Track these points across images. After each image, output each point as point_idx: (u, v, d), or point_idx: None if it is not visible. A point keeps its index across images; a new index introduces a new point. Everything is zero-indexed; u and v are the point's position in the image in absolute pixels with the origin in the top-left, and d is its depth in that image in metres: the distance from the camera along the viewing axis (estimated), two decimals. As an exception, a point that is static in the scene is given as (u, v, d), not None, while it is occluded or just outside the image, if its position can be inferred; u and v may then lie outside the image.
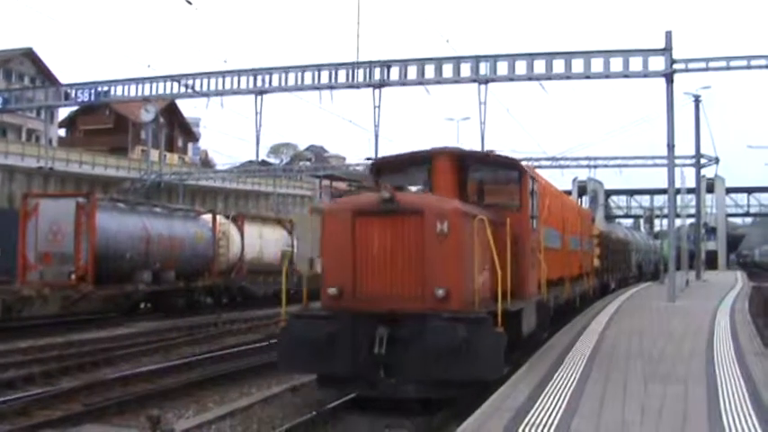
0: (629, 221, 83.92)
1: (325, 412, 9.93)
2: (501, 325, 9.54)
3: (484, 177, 12.16)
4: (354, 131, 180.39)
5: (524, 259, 11.66)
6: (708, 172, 66.99)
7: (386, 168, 12.42)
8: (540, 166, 55.43)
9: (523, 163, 12.56)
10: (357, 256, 9.95)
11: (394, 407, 9.77)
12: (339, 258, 10.04)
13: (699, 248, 47.56)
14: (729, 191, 70.42)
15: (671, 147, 25.06)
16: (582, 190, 69.45)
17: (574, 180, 68.35)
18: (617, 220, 77.87)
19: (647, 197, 72.73)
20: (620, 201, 74.62)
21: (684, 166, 50.03)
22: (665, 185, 26.23)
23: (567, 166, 58.89)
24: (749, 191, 70.88)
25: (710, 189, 67.18)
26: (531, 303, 11.91)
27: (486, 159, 12.61)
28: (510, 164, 12.30)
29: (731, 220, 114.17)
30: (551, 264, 13.78)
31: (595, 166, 60.41)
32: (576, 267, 19.05)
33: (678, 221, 39.62)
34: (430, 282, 9.71)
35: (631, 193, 73.27)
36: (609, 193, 72.51)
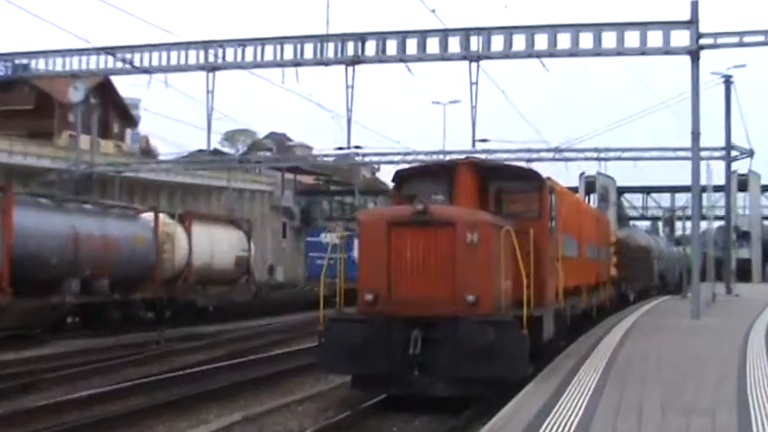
0: (646, 224, 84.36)
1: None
2: (526, 328, 12.14)
3: (503, 187, 14.77)
4: (323, 117, 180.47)
5: (544, 267, 14.14)
6: (740, 166, 67.65)
7: (408, 178, 15.21)
8: (540, 159, 55.85)
9: (535, 168, 15.61)
10: (392, 264, 12.51)
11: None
12: (375, 266, 12.61)
13: (729, 256, 48.03)
14: (766, 189, 70.97)
15: (696, 136, 25.27)
16: (590, 187, 69.85)
17: (581, 175, 68.73)
18: (631, 222, 78.47)
19: (666, 195, 73.24)
20: (635, 199, 75.13)
21: (712, 159, 50.36)
22: (688, 182, 26.45)
23: (573, 159, 59.09)
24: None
25: (743, 187, 67.67)
26: (550, 311, 14.50)
27: (507, 170, 15.57)
28: (530, 174, 15.20)
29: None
30: (568, 272, 16.12)
31: (606, 159, 60.63)
32: (593, 276, 21.68)
33: (704, 224, 40.06)
34: (460, 288, 12.31)
35: (648, 190, 73.79)
36: (622, 191, 73.10)
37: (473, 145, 41.42)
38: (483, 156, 54.52)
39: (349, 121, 35.87)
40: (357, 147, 51.50)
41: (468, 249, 12.44)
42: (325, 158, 59.51)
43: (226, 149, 77.00)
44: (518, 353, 12.15)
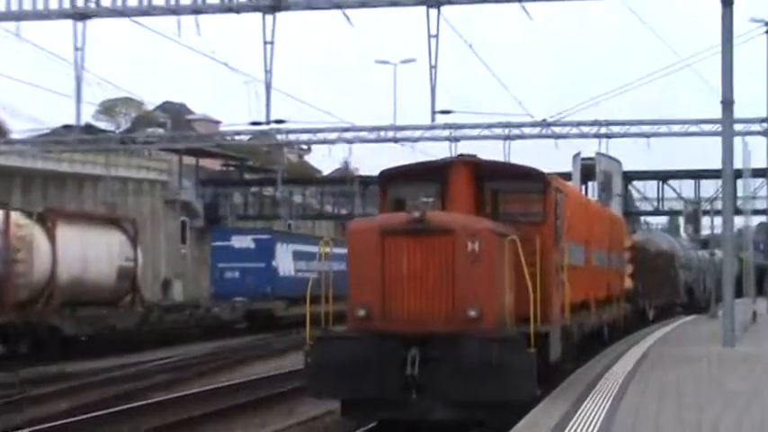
0: (662, 220, 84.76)
1: None
2: (533, 346, 13.84)
3: (502, 188, 16.76)
4: (234, 81, 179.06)
5: (549, 279, 15.86)
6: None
7: (395, 179, 16.92)
8: (521, 136, 56.36)
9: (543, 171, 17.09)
10: (386, 277, 14.20)
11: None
12: (367, 278, 14.29)
13: (773, 263, 48.76)
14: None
15: (728, 105, 25.46)
16: (588, 172, 70.35)
17: (575, 157, 69.06)
18: (643, 218, 79.24)
19: (689, 183, 74.18)
20: (649, 189, 75.90)
21: (749, 134, 51.20)
22: (717, 165, 26.69)
23: (565, 136, 59.68)
24: None
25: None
26: (557, 328, 16.28)
27: (506, 169, 17.62)
28: (533, 175, 16.76)
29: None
30: (574, 284, 17.98)
31: (609, 136, 61.13)
32: (603, 289, 23.62)
33: (739, 221, 40.47)
34: (461, 302, 14.03)
35: (665, 177, 74.54)
36: (630, 177, 73.61)
37: (433, 118, 41.50)
38: (446, 131, 54.92)
39: (268, 87, 35.64)
40: (279, 121, 51.35)
41: (470, 260, 14.19)
42: (238, 137, 59.38)
43: (102, 125, 76.20)
44: (525, 373, 13.83)
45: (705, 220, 43.76)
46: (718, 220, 36.67)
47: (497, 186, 16.84)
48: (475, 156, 16.98)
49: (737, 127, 49.60)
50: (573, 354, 18.62)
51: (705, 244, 52.52)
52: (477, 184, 16.44)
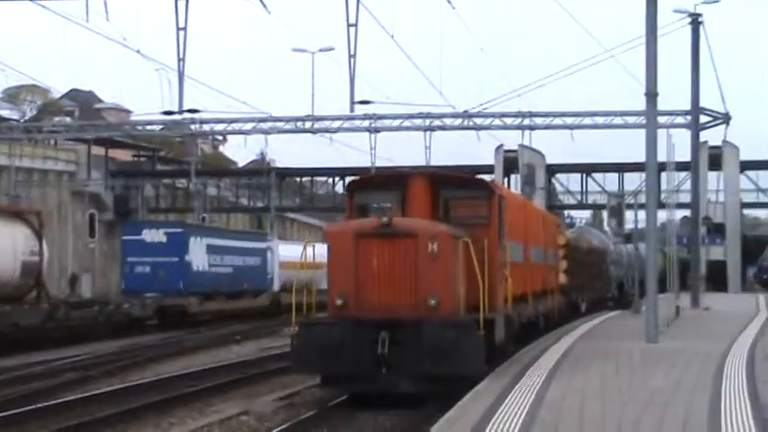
0: (585, 214, 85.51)
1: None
2: (483, 329, 17.50)
3: (453, 195, 20.11)
4: (146, 69, 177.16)
5: (494, 274, 19.13)
6: (712, 137, 69.46)
7: (361, 188, 20.61)
8: (443, 127, 56.43)
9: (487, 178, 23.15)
10: (359, 272, 17.61)
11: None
12: (343, 273, 17.77)
13: (696, 257, 49.35)
14: (747, 166, 72.99)
15: (652, 97, 25.66)
16: (510, 165, 70.75)
17: (498, 149, 69.50)
18: (566, 211, 79.81)
19: (613, 176, 74.87)
20: (572, 182, 76.50)
21: (674, 126, 51.86)
22: (641, 158, 26.84)
23: (487, 128, 59.98)
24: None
25: (716, 164, 69.56)
26: (501, 316, 19.95)
27: (456, 179, 21.01)
28: (480, 184, 21.00)
29: (749, 212, 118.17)
30: (515, 279, 21.39)
31: (531, 128, 61.53)
32: (539, 283, 27.05)
33: (662, 214, 40.89)
34: (423, 293, 17.49)
35: (588, 170, 75.21)
36: (553, 170, 74.18)
37: (352, 108, 41.39)
38: (366, 122, 54.75)
39: (181, 75, 35.26)
40: (192, 111, 50.84)
41: (430, 258, 17.59)
42: (149, 127, 58.73)
43: (5, 113, 74.90)
44: (476, 352, 17.37)
45: (629, 214, 44.12)
46: (642, 214, 36.94)
47: (449, 194, 20.07)
48: (431, 168, 20.99)
49: (662, 119, 50.19)
50: (514, 338, 22.09)
51: (628, 238, 53.01)
52: (432, 193, 19.73)
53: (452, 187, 20.41)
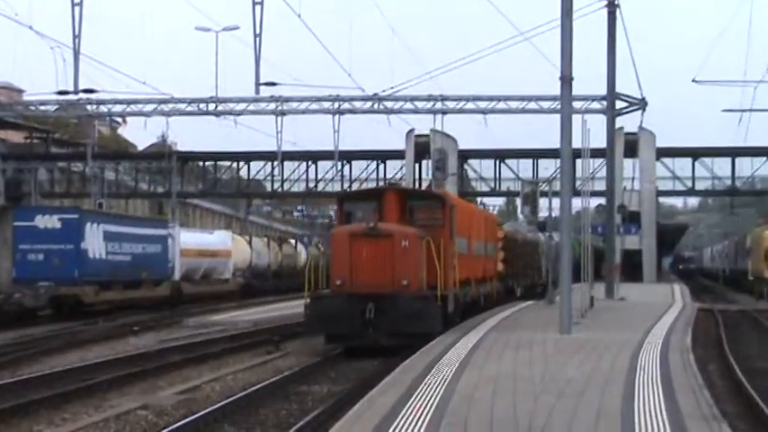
0: (499, 202, 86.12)
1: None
2: (440, 301, 25.72)
3: (417, 205, 28.40)
4: (39, 47, 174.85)
5: (447, 263, 27.14)
6: (628, 123, 70.33)
7: (348, 199, 29.86)
8: (352, 111, 56.43)
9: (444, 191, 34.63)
10: (353, 260, 25.43)
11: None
12: (342, 262, 25.58)
13: (611, 247, 50.00)
14: (663, 153, 74.12)
15: (566, 80, 25.97)
16: (422, 150, 71.07)
17: (408, 133, 69.80)
18: (480, 199, 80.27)
19: (527, 163, 75.49)
20: (485, 168, 77.00)
21: (589, 112, 52.34)
22: (555, 144, 27.15)
23: (398, 111, 60.13)
24: (695, 154, 74.64)
25: (632, 151, 70.66)
26: (451, 293, 27.66)
27: (420, 193, 33.79)
28: (436, 196, 30.34)
29: (665, 201, 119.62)
30: (461, 267, 29.40)
31: (443, 112, 61.80)
32: (480, 271, 35.05)
33: (577, 202, 41.33)
34: (398, 276, 25.33)
35: (502, 156, 75.81)
36: (466, 156, 74.68)
37: (257, 90, 41.30)
38: (272, 105, 54.59)
39: (76, 54, 34.86)
40: (89, 91, 50.26)
41: (402, 251, 25.64)
42: (43, 107, 57.88)
43: None
44: (434, 316, 25.60)
45: (543, 202, 44.59)
46: (556, 202, 37.35)
47: (414, 204, 28.51)
48: (401, 184, 31.12)
49: (577, 104, 50.81)
50: (460, 311, 30.03)
51: (543, 226, 53.57)
52: (401, 203, 28.03)
53: (416, 199, 29.69)
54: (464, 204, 35.42)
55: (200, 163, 78.48)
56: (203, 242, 58.47)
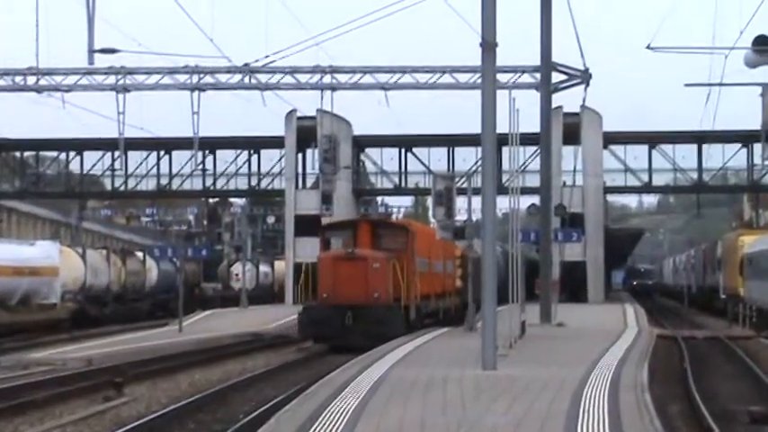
0: (406, 201, 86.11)
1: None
2: (403, 310, 44.47)
3: (385, 233, 45.68)
4: None
5: (410, 280, 44.22)
6: (568, 101, 70.39)
7: (329, 228, 48.78)
8: (216, 86, 56.21)
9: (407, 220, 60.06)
10: (335, 278, 42.72)
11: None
12: (327, 279, 42.78)
13: (547, 258, 50.32)
14: (612, 140, 74.56)
15: (489, 46, 25.98)
16: (306, 135, 70.76)
17: (289, 115, 69.29)
18: (380, 199, 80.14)
19: (441, 152, 75.70)
20: (388, 160, 77.02)
21: (519, 87, 52.62)
22: (476, 128, 27.12)
23: (275, 87, 59.88)
24: (652, 141, 75.58)
25: (573, 136, 71.03)
26: (413, 305, 44.75)
27: (388, 223, 51.66)
28: (401, 226, 50.32)
29: (616, 199, 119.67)
30: (422, 283, 45.80)
31: (333, 88, 61.69)
32: (440, 286, 50.94)
33: (504, 202, 41.44)
34: (371, 290, 42.83)
35: (408, 143, 75.99)
36: (362, 144, 74.65)
37: (90, 59, 40.89)
38: (111, 78, 54.21)
39: None
40: None
41: (374, 271, 41.98)
42: None
43: None
44: (399, 323, 41.78)
45: (461, 202, 44.64)
46: (477, 202, 37.33)
47: (383, 232, 44.29)
48: (372, 216, 57.13)
49: (503, 78, 51.24)
50: (422, 320, 45.48)
51: (460, 233, 53.76)
52: (372, 231, 43.55)
53: (384, 227, 46.10)
54: (425, 230, 52.15)
55: (18, 153, 77.59)
56: (21, 257, 57.56)
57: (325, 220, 61.91)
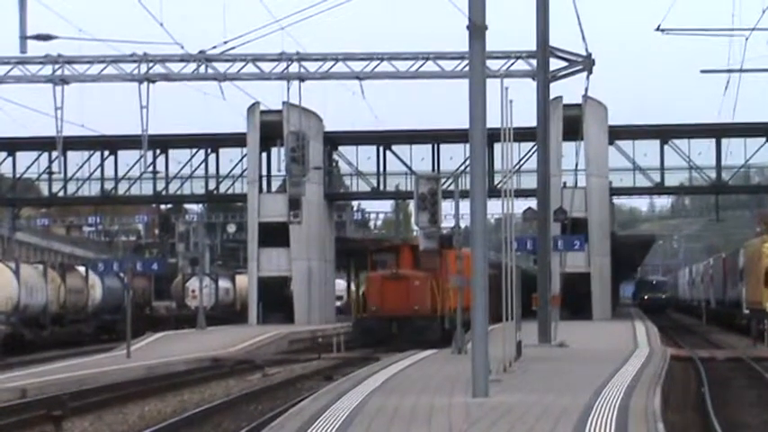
0: (385, 206, 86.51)
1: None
2: (439, 320, 67.74)
3: (423, 254, 64.83)
4: None
5: (444, 295, 65.45)
6: (568, 91, 70.68)
7: (376, 252, 71.54)
8: (168, 76, 56.22)
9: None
10: (383, 293, 66.10)
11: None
12: (376, 295, 66.28)
13: (546, 269, 50.45)
14: (619, 135, 74.68)
15: (478, 30, 26.00)
16: (271, 131, 70.73)
17: (251, 108, 69.22)
18: (356, 204, 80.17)
19: (424, 150, 75.84)
20: (365, 159, 77.15)
21: (513, 76, 52.80)
22: (464, 122, 27.16)
23: (235, 77, 59.81)
24: (664, 135, 76.09)
25: (574, 130, 71.30)
26: (448, 316, 64.92)
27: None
28: (435, 250, 62.98)
29: (623, 202, 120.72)
30: (453, 297, 59.15)
31: (301, 78, 61.78)
32: (467, 300, 52.25)
33: (496, 206, 41.43)
34: (413, 303, 65.30)
35: (387, 140, 76.08)
36: (335, 141, 74.75)
37: (23, 47, 40.81)
38: (47, 68, 54.20)
39: None
40: None
41: (415, 287, 63.91)
42: None
43: None
44: (437, 332, 62.57)
45: (447, 206, 44.73)
46: (465, 206, 37.38)
47: (421, 255, 62.17)
48: (410, 242, 71.53)
49: (494, 65, 51.31)
50: (454, 329, 50.95)
51: (447, 241, 54.02)
52: (413, 254, 64.04)
53: (421, 250, 59.85)
54: (452, 251, 58.01)
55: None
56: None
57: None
